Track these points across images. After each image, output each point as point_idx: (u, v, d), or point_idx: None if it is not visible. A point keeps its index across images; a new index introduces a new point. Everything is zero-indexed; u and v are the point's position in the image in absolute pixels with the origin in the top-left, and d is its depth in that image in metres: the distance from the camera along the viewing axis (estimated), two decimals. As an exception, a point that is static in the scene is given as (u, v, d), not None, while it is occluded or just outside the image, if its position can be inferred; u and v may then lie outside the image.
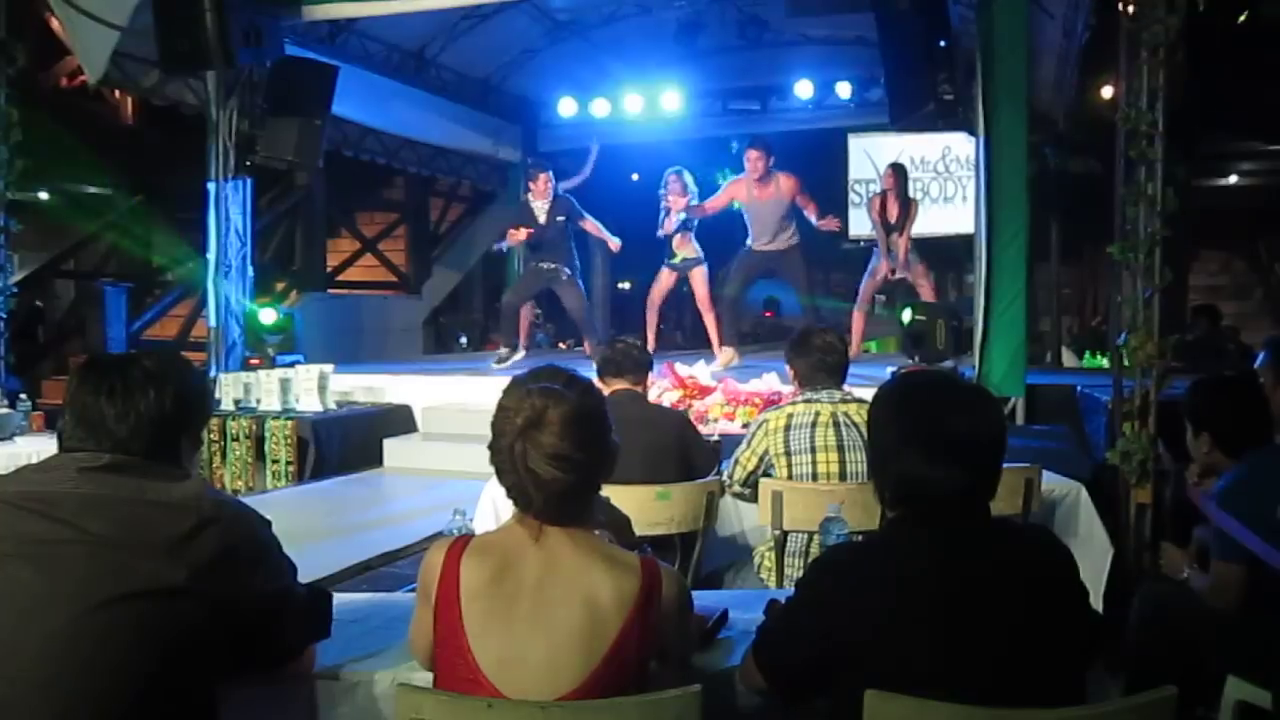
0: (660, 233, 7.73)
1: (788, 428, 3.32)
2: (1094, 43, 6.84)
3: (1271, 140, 12.57)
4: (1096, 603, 3.36)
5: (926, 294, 7.36)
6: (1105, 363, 7.68)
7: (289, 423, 6.04)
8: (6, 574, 1.54)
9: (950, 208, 11.71)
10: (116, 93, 9.53)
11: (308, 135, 6.96)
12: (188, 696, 1.60)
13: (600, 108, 10.18)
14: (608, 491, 1.95)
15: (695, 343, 9.75)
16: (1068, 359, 10.93)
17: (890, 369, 5.11)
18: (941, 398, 1.76)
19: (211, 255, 7.32)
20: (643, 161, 10.39)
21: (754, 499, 3.33)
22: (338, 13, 6.84)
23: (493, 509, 3.37)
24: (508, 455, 1.67)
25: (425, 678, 1.74)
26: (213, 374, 6.88)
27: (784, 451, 3.30)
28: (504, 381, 1.79)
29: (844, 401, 3.36)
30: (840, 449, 3.27)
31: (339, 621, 1.95)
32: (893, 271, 7.38)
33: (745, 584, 3.41)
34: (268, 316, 7.58)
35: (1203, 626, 2.74)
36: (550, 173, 7.67)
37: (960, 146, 10.92)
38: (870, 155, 12.02)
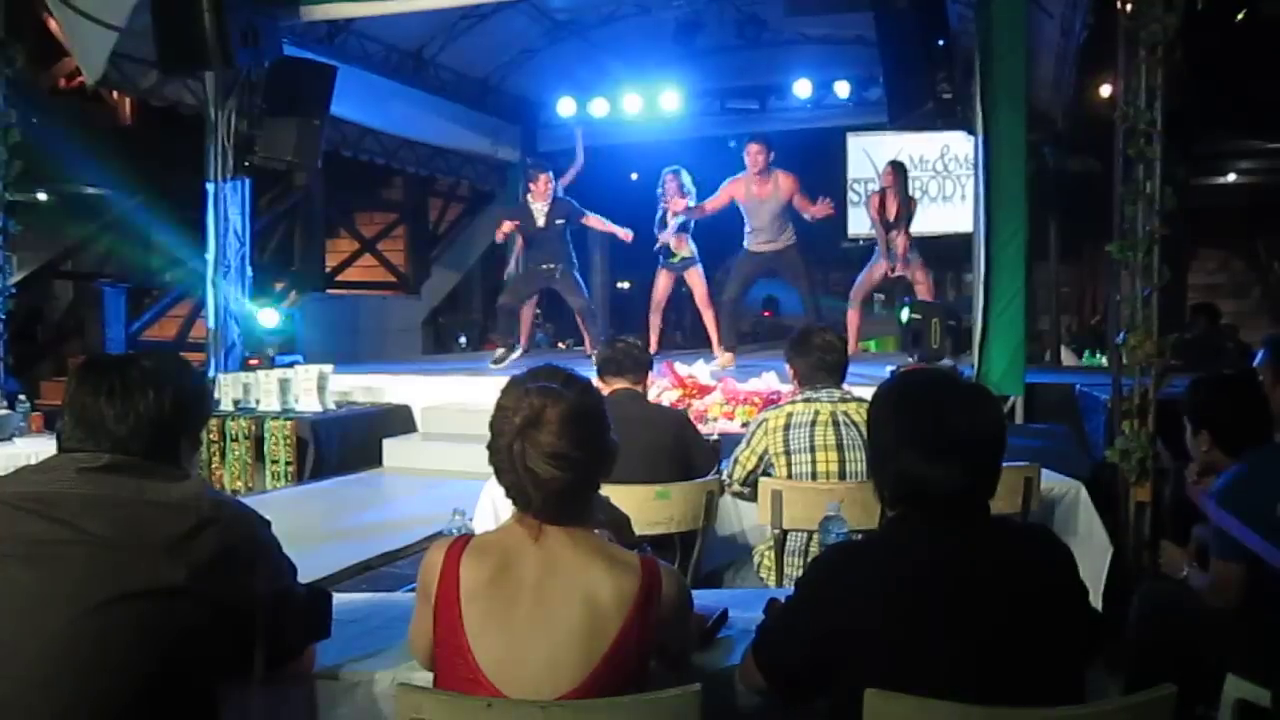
0: (658, 244, 7.73)
1: (787, 427, 3.32)
2: (1092, 41, 6.83)
3: (1270, 139, 12.57)
4: (1096, 601, 3.36)
5: (925, 293, 7.36)
6: (1104, 361, 7.69)
7: (288, 423, 6.04)
8: (6, 574, 1.54)
9: (949, 207, 11.73)
10: (115, 93, 9.52)
11: (306, 135, 6.96)
12: (187, 697, 1.60)
13: (599, 107, 10.17)
14: (607, 491, 1.95)
15: (695, 342, 9.75)
16: (1067, 358, 10.93)
17: (890, 368, 5.11)
18: (941, 396, 1.76)
19: (210, 256, 7.31)
20: (642, 161, 10.38)
21: (753, 498, 3.33)
22: (336, 13, 6.83)
23: (492, 509, 3.38)
24: (506, 455, 1.67)
25: (425, 677, 1.74)
26: (212, 374, 6.87)
27: (783, 450, 3.30)
28: (503, 381, 1.79)
29: (843, 400, 3.36)
30: (840, 448, 3.27)
31: (339, 621, 1.95)
32: (891, 270, 7.38)
33: (745, 583, 3.40)
34: (267, 317, 7.58)
35: (1202, 625, 2.74)
36: (550, 173, 7.66)
37: (959, 145, 10.93)
38: (869, 154, 12.04)
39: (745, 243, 7.41)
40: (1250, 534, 2.57)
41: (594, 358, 3.88)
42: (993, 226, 5.66)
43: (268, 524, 1.76)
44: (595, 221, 7.80)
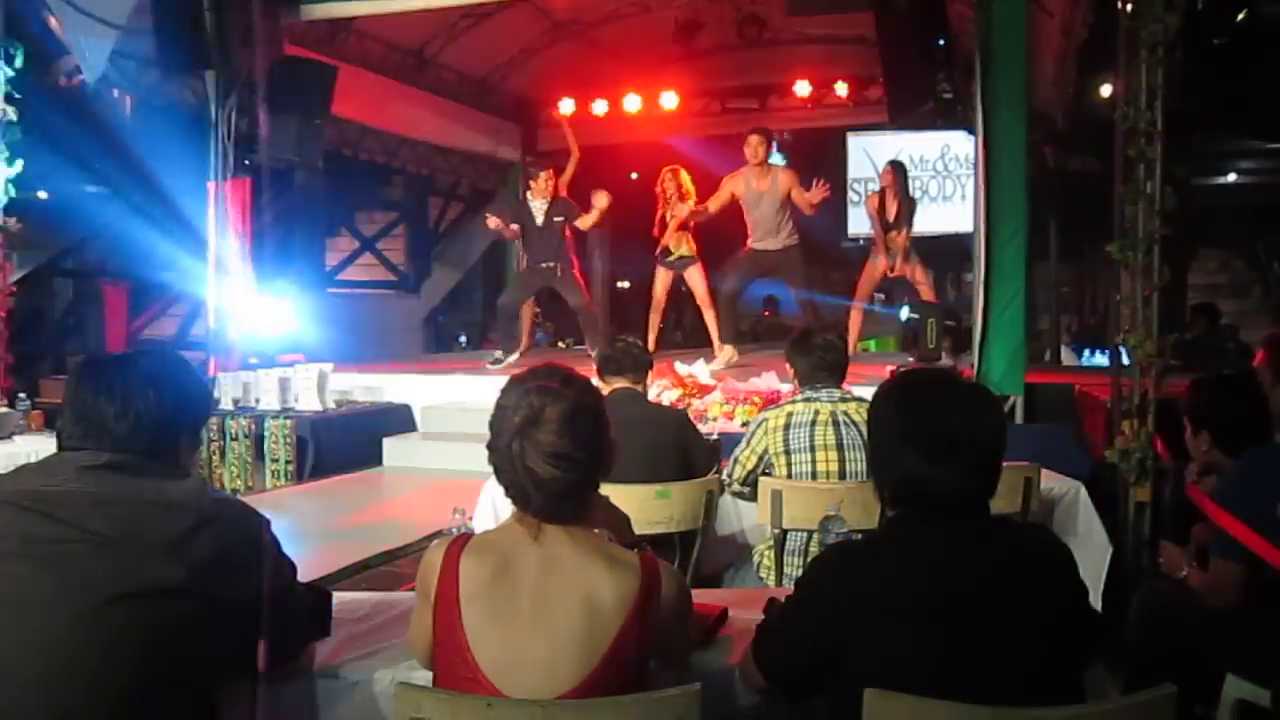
0: (660, 248, 7.72)
1: (787, 426, 3.32)
2: (1093, 41, 6.83)
3: (1270, 139, 12.56)
4: (1095, 601, 3.36)
5: (925, 292, 7.36)
6: (1104, 361, 7.68)
7: (288, 422, 6.04)
8: (7, 573, 1.54)
9: (949, 206, 11.74)
10: (115, 91, 9.51)
11: (307, 134, 6.97)
12: (188, 696, 1.60)
13: (599, 107, 10.18)
14: (607, 490, 1.94)
15: (695, 342, 9.75)
16: (1067, 357, 10.94)
17: (890, 368, 5.11)
18: (941, 396, 1.76)
19: (211, 254, 7.32)
20: (641, 160, 10.39)
21: (753, 498, 3.33)
22: (337, 12, 6.84)
23: (492, 508, 3.39)
24: (506, 454, 1.67)
25: (425, 677, 1.74)
26: (212, 373, 6.88)
27: (783, 450, 3.30)
28: (503, 380, 1.79)
29: (843, 400, 3.36)
30: (840, 448, 3.27)
31: (338, 620, 1.95)
32: (891, 269, 7.38)
33: (745, 583, 3.41)
34: (266, 316, 7.57)
35: (1202, 625, 2.74)
36: (551, 172, 7.65)
37: (959, 145, 10.95)
38: (869, 154, 12.04)
39: (748, 241, 7.40)
40: (1250, 534, 2.57)
41: (594, 357, 3.88)
42: (993, 226, 5.65)
43: (268, 523, 1.75)
44: (589, 220, 7.74)
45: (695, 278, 7.76)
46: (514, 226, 7.61)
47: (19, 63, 5.99)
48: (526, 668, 1.60)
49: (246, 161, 7.23)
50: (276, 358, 7.26)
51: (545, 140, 10.55)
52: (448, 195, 12.77)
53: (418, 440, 6.57)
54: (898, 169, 7.57)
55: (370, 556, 4.09)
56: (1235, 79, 9.37)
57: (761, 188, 7.17)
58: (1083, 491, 3.74)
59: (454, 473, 5.31)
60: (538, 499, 1.67)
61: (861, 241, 11.15)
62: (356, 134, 9.03)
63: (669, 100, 9.97)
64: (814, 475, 3.26)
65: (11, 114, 5.91)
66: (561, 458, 1.65)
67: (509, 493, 1.71)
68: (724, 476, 3.46)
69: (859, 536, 2.30)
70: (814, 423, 3.31)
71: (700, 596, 2.06)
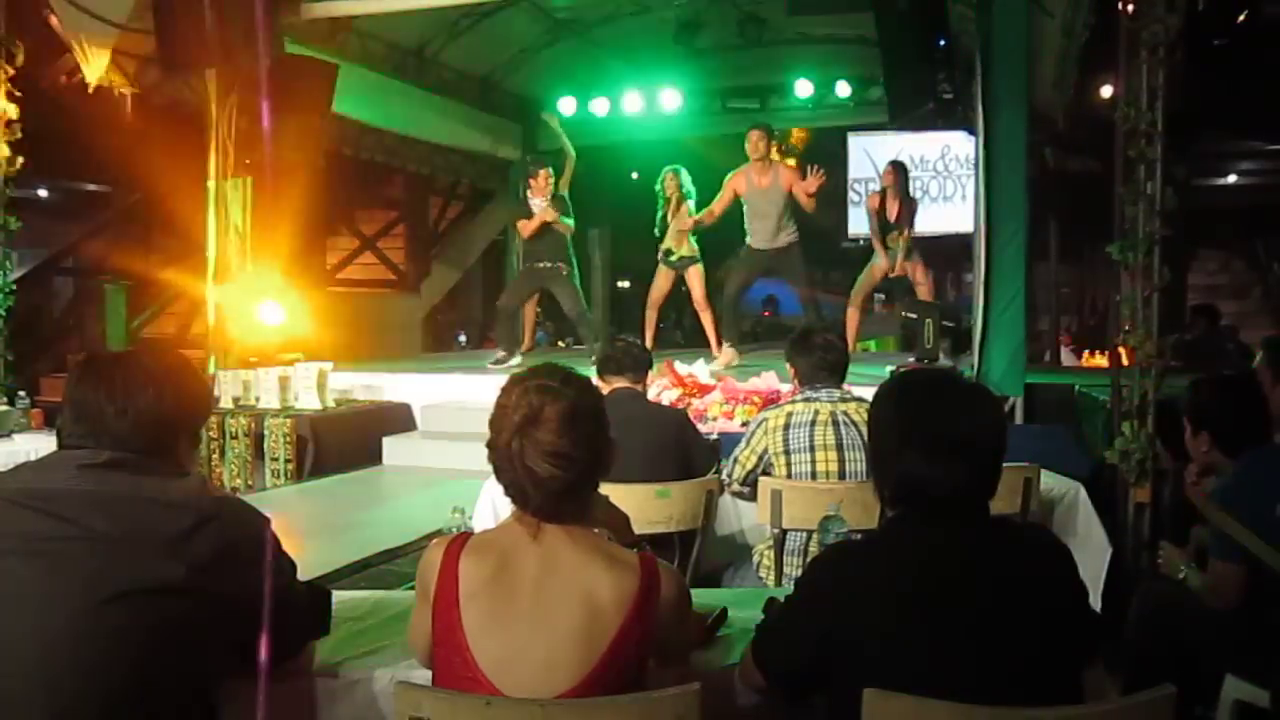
0: (662, 250, 7.71)
1: (787, 426, 3.32)
2: (1093, 42, 6.82)
3: (1271, 140, 12.56)
4: (1095, 602, 3.36)
5: (925, 293, 7.35)
6: (1104, 362, 7.68)
7: (288, 420, 6.04)
8: (6, 571, 1.54)
9: (949, 206, 11.75)
10: (116, 90, 9.52)
11: (308, 133, 6.96)
12: (187, 694, 1.61)
13: (600, 106, 10.18)
14: (606, 490, 1.94)
15: (695, 342, 9.74)
16: (1066, 358, 10.94)
17: (890, 368, 5.11)
18: (942, 396, 1.76)
19: (210, 253, 7.32)
20: (642, 160, 10.39)
21: (753, 497, 3.33)
22: (338, 10, 6.83)
23: (492, 507, 3.39)
24: (505, 453, 1.67)
25: (424, 675, 1.74)
26: (212, 371, 6.88)
27: (783, 450, 3.30)
28: (503, 379, 1.79)
29: (843, 400, 3.36)
30: (839, 448, 3.27)
31: (338, 619, 1.95)
32: (891, 269, 7.38)
33: (744, 582, 3.40)
34: (266, 314, 7.57)
35: (1201, 626, 2.74)
36: (550, 169, 7.66)
37: (959, 145, 10.96)
38: (869, 154, 12.06)
39: (748, 240, 7.40)
40: (1249, 535, 2.58)
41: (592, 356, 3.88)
42: (993, 226, 5.66)
43: (267, 521, 1.75)
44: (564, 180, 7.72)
45: (695, 279, 7.76)
46: (548, 209, 7.55)
47: (19, 62, 5.99)
48: (526, 667, 1.60)
49: (247, 161, 7.22)
50: (276, 356, 7.27)
51: (545, 139, 10.54)
52: (448, 194, 12.77)
53: (417, 439, 6.57)
54: (899, 169, 7.56)
55: (370, 555, 4.09)
56: (1235, 79, 9.37)
57: (763, 184, 7.16)
58: (1082, 492, 3.74)
59: (453, 472, 5.32)
60: (537, 498, 1.67)
61: (861, 242, 11.16)
62: (356, 133, 9.02)
63: (669, 100, 9.97)
64: (814, 475, 3.26)
65: (12, 113, 5.90)
66: (561, 457, 1.65)
67: (508, 492, 1.71)
68: (724, 476, 3.46)
69: (859, 536, 2.30)
70: (814, 423, 3.31)
71: (700, 596, 2.06)
